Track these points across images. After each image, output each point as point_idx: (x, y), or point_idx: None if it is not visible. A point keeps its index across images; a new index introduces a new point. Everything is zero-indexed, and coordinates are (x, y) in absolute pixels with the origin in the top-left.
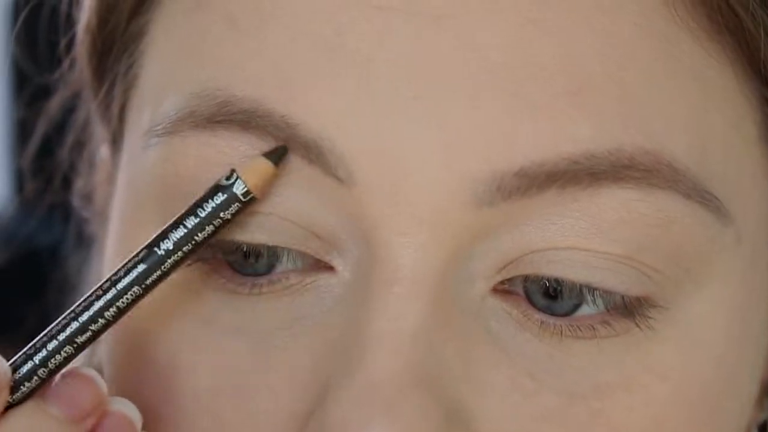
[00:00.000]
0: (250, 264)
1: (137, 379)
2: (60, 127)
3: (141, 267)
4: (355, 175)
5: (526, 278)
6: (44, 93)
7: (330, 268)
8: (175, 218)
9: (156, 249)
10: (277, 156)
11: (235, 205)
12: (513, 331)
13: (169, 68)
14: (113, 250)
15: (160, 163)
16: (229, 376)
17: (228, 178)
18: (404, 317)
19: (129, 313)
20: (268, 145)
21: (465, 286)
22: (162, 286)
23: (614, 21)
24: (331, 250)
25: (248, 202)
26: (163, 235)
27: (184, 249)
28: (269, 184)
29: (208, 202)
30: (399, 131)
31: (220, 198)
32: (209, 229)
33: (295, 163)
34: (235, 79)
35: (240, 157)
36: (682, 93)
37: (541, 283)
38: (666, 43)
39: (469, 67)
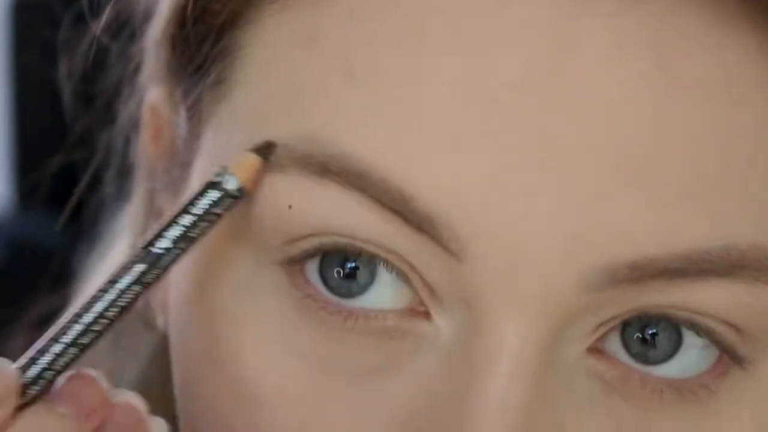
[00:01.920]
0: (346, 282)
1: (221, 402)
2: (60, 127)
3: (140, 267)
4: (468, 251)
5: (624, 328)
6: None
7: (427, 315)
8: (170, 217)
9: (152, 248)
10: (265, 150)
11: (228, 200)
12: (606, 394)
13: (273, 97)
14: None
15: (258, 203)
16: (320, 412)
17: (219, 175)
18: (508, 398)
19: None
20: (379, 206)
21: (562, 350)
22: (252, 311)
23: (741, 115)
24: (433, 297)
25: (240, 196)
26: (160, 234)
27: (180, 246)
28: (259, 179)
29: (201, 200)
30: (518, 214)
31: (213, 195)
32: (203, 225)
33: (402, 227)
34: (351, 135)
35: (346, 213)
36: None
37: (637, 335)
38: None
39: (596, 157)
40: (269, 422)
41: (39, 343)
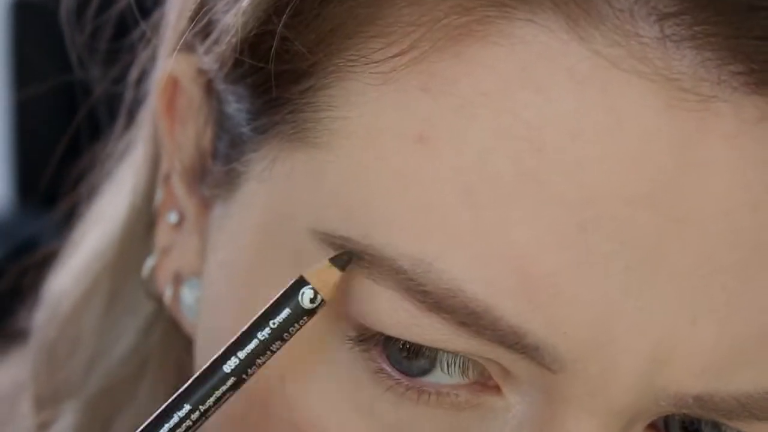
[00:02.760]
0: (409, 360)
1: None
2: (61, 127)
3: (215, 382)
4: (565, 368)
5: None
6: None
7: (498, 390)
8: (256, 344)
9: (245, 375)
10: (344, 261)
11: (304, 318)
12: None
13: (376, 189)
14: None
15: (344, 296)
16: None
17: (297, 286)
18: None
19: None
20: (482, 343)
21: None
22: (321, 364)
23: None
24: (507, 379)
25: (316, 310)
26: (250, 362)
27: (258, 362)
28: (336, 292)
29: (279, 315)
30: (620, 335)
31: (292, 312)
32: (277, 344)
33: (501, 351)
34: (468, 271)
35: (436, 341)
36: None
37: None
38: None
39: (697, 285)
40: None
41: None
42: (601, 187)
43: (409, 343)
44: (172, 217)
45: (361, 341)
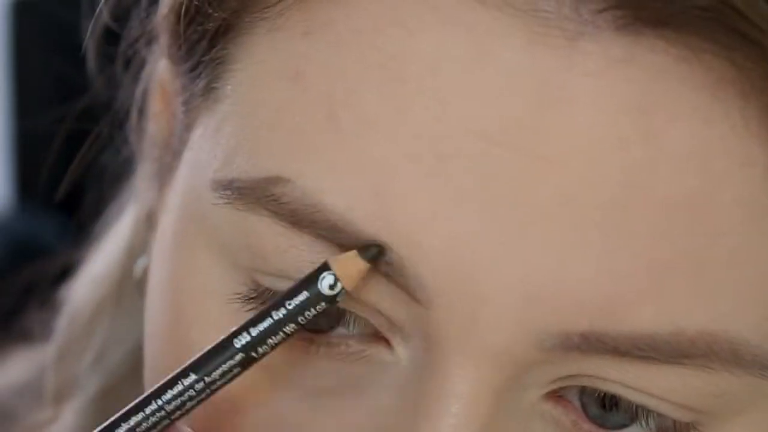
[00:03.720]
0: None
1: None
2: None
3: (225, 358)
4: (433, 301)
5: (582, 389)
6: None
7: (386, 342)
8: (269, 322)
9: (242, 341)
10: (372, 254)
11: (322, 304)
12: None
13: (256, 126)
14: (162, 251)
15: (231, 230)
16: (273, 420)
17: (319, 275)
18: None
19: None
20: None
21: (518, 395)
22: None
23: (716, 194)
24: (394, 329)
25: (339, 300)
26: (261, 340)
27: (269, 342)
28: (361, 283)
29: (306, 308)
30: (484, 269)
31: (310, 297)
32: (291, 327)
33: (371, 274)
34: (328, 185)
35: (316, 260)
36: (762, 271)
37: (597, 394)
38: (762, 220)
39: (564, 222)
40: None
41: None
42: (459, 122)
43: None
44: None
45: (252, 298)
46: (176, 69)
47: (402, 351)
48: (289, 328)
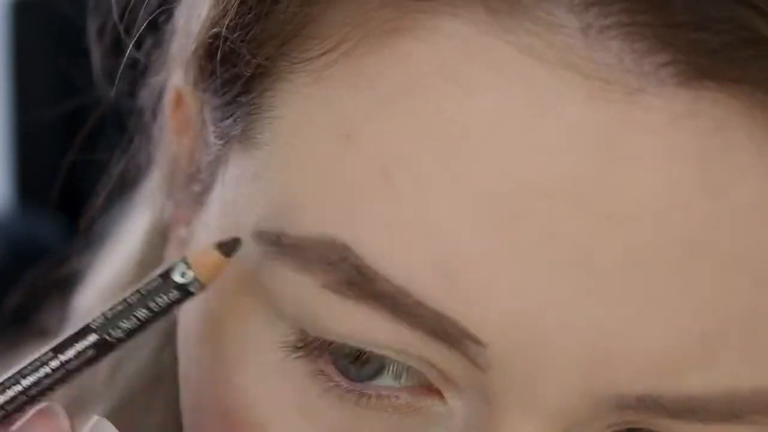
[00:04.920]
0: (356, 367)
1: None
2: (61, 127)
3: (85, 345)
4: (492, 365)
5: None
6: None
7: (439, 394)
8: (122, 302)
9: (107, 335)
10: (230, 247)
11: (173, 292)
12: None
13: (302, 181)
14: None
15: (277, 284)
16: None
17: (178, 267)
18: None
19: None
20: (412, 331)
21: None
22: (264, 368)
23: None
24: (449, 383)
25: (194, 293)
26: (112, 319)
27: (123, 326)
28: (218, 277)
29: (157, 294)
30: (549, 332)
31: (172, 293)
32: (150, 316)
33: (428, 341)
34: (386, 253)
35: (371, 329)
36: None
37: None
38: None
39: (630, 284)
40: None
41: None
42: (522, 180)
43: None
44: (183, 232)
45: (299, 347)
46: (203, 96)
47: (455, 404)
48: (142, 313)
